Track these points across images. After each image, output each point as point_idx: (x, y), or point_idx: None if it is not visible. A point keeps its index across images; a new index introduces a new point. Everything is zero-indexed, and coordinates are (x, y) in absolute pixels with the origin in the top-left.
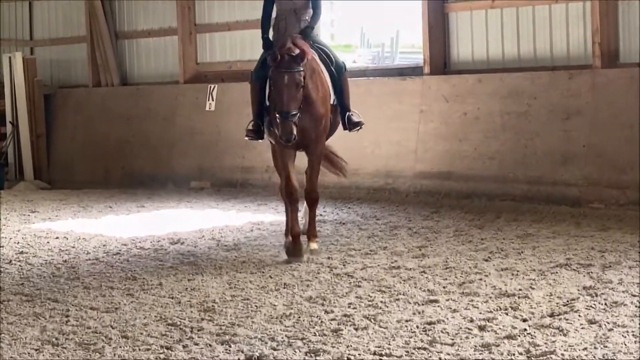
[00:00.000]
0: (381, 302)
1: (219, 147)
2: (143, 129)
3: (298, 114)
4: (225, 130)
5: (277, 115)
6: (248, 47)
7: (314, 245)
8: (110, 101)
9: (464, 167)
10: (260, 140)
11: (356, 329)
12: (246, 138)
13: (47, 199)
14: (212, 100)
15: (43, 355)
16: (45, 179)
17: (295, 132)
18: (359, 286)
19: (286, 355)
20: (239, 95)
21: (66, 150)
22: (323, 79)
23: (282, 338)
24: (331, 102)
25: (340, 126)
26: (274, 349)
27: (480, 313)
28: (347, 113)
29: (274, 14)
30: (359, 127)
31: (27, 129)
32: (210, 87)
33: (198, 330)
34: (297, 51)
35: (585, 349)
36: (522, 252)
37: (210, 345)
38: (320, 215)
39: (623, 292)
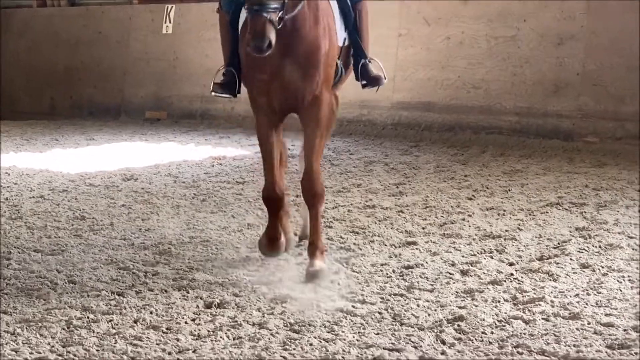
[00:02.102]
0: (354, 244)
1: (177, 74)
2: (93, 55)
3: (280, 10)
4: (183, 55)
5: (247, 9)
6: None
7: (318, 264)
8: (57, 23)
9: (446, 97)
10: (233, 97)
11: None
12: (213, 93)
13: None
14: (170, 22)
15: None
16: None
17: (272, 35)
18: (330, 227)
19: (249, 302)
20: (199, 17)
21: (8, 78)
22: (325, 4)
23: (245, 284)
24: (340, 42)
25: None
26: (236, 295)
27: (463, 256)
28: (362, 61)
29: None
30: (377, 86)
31: None
32: (168, 7)
33: (153, 275)
34: None
35: (577, 295)
36: (509, 190)
37: (166, 291)
38: (289, 149)
39: (619, 233)
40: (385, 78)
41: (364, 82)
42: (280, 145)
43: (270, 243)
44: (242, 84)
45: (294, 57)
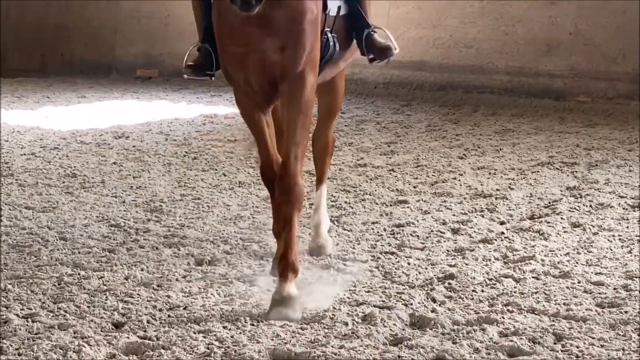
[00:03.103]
0: (346, 202)
1: (169, 31)
2: (84, 12)
3: None
4: (175, 12)
5: None
6: None
7: (287, 290)
8: None
9: (438, 56)
10: (210, 79)
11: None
12: (186, 77)
13: None
14: None
15: None
16: None
17: None
18: None
19: (240, 260)
20: None
21: None
22: None
23: (236, 241)
24: (334, 12)
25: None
26: (227, 253)
27: (454, 215)
28: (366, 31)
29: None
30: (387, 57)
31: None
32: None
33: (144, 232)
34: None
35: (567, 254)
36: (500, 150)
37: (157, 248)
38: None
39: (609, 193)
40: (395, 48)
41: (371, 55)
42: (270, 121)
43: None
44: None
45: (272, 25)
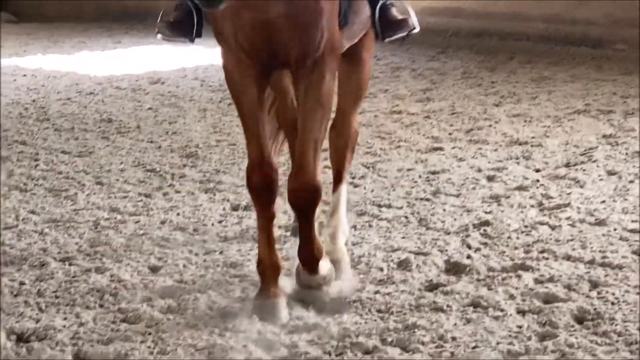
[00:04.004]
0: (381, 149)
1: None
2: None
3: None
4: None
5: None
6: None
7: (323, 268)
8: None
9: (474, 3)
10: (190, 42)
11: (353, 178)
12: (159, 36)
13: (13, 32)
14: None
15: (10, 201)
16: (12, 11)
17: None
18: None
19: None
20: None
21: None
22: None
23: None
24: None
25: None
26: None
27: (489, 162)
28: (381, 2)
29: None
30: (402, 34)
31: None
32: None
33: (180, 177)
34: None
35: (603, 201)
36: (536, 97)
37: (192, 193)
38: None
39: None
40: (415, 26)
41: (386, 30)
42: (268, 100)
43: (263, 295)
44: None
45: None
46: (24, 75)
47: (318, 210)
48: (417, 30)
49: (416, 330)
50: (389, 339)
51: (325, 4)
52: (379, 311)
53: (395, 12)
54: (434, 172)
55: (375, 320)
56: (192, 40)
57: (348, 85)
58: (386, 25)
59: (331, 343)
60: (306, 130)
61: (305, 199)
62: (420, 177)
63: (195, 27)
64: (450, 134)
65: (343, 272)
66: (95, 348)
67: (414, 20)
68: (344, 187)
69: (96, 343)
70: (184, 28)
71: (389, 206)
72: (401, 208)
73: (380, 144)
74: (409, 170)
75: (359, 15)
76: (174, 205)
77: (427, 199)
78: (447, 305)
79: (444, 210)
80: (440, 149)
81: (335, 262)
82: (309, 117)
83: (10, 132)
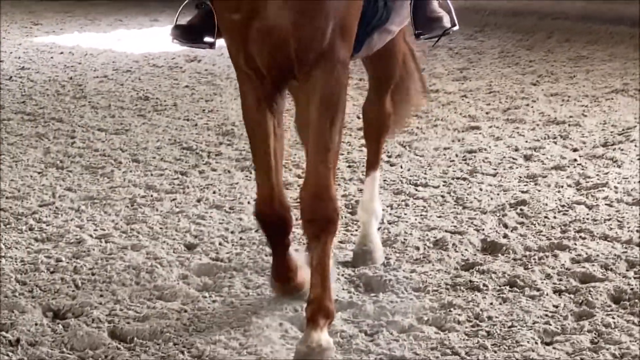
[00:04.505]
0: (417, 128)
1: None
2: None
3: None
4: None
5: None
6: None
7: (317, 339)
8: None
9: None
10: (209, 48)
11: (389, 157)
12: (174, 41)
13: (50, 10)
14: None
15: (47, 178)
16: None
17: None
18: None
19: None
20: None
21: None
22: None
23: None
24: None
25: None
26: (299, 177)
27: (526, 141)
28: None
29: None
30: (437, 34)
31: None
32: None
33: (216, 155)
34: None
35: None
36: (574, 76)
37: (228, 171)
38: None
39: None
40: (454, 24)
41: (420, 28)
42: (280, 131)
43: (284, 285)
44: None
45: None
46: (61, 53)
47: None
48: (456, 28)
49: (452, 309)
50: (425, 318)
51: None
52: (415, 290)
53: (434, 7)
54: (470, 151)
55: (411, 299)
56: (212, 46)
57: (380, 64)
58: (422, 21)
59: (367, 322)
60: (316, 138)
61: (319, 216)
62: (456, 156)
63: (216, 30)
64: (487, 113)
65: (377, 263)
66: (131, 325)
67: (453, 17)
68: (377, 173)
69: (132, 320)
70: (202, 32)
71: (426, 185)
72: (437, 187)
73: (416, 123)
74: (445, 149)
75: (400, 13)
76: (210, 183)
77: (464, 178)
78: (484, 285)
79: (481, 189)
80: (477, 128)
81: (366, 254)
82: (319, 123)
83: (47, 110)
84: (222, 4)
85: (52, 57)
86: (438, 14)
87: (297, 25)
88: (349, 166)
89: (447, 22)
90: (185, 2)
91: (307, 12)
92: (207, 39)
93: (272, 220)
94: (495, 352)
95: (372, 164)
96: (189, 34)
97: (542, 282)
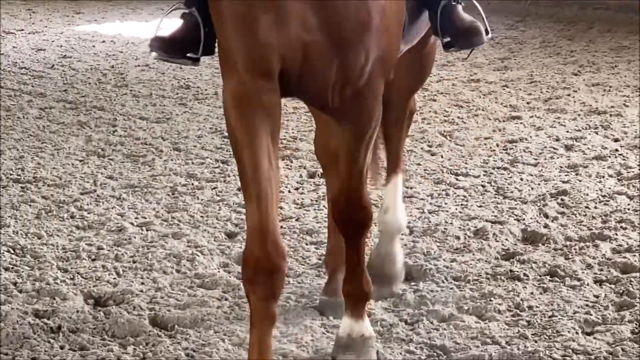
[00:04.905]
0: (458, 117)
1: None
2: None
3: None
4: None
5: None
6: None
7: (357, 328)
8: None
9: None
10: (192, 65)
11: (430, 146)
12: (153, 54)
13: None
14: None
15: (88, 166)
16: None
17: None
18: (434, 100)
19: None
20: None
21: None
22: None
23: None
24: None
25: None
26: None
27: (567, 131)
28: (443, 2)
29: None
30: (470, 46)
31: None
32: None
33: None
34: None
35: None
36: (615, 66)
37: None
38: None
39: None
40: (488, 32)
41: (447, 38)
42: (275, 153)
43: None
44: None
45: (320, 10)
46: (103, 42)
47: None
48: (490, 36)
49: (492, 298)
50: (465, 307)
51: (379, 4)
52: (455, 279)
53: (463, 14)
54: (511, 141)
55: (451, 288)
56: (195, 62)
57: (407, 68)
58: (450, 31)
59: (407, 310)
60: (348, 158)
61: (353, 221)
62: (497, 145)
63: (202, 43)
64: (528, 102)
65: (396, 279)
66: (172, 313)
67: (486, 25)
68: (399, 178)
69: (173, 308)
70: (185, 47)
71: (466, 175)
72: (478, 177)
73: (457, 112)
74: (486, 138)
75: (419, 16)
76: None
77: (505, 168)
78: (524, 274)
79: (522, 179)
80: (518, 117)
81: (387, 278)
82: (353, 144)
83: (89, 98)
84: (242, 22)
85: (93, 46)
86: (472, 23)
87: (340, 61)
88: None
89: (482, 32)
90: (171, 9)
91: (351, 49)
92: (191, 55)
93: (260, 265)
94: (535, 341)
95: (395, 166)
96: (170, 48)
97: (582, 272)
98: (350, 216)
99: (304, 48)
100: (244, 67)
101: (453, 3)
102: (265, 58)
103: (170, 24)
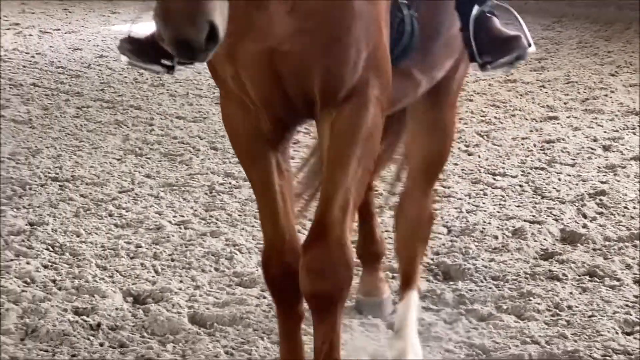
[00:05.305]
0: (495, 117)
1: None
2: None
3: None
4: None
5: None
6: None
7: None
8: None
9: None
10: (164, 72)
11: (467, 146)
12: (124, 59)
13: None
14: None
15: (126, 165)
16: None
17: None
18: (471, 100)
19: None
20: None
21: None
22: None
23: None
24: None
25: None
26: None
27: (605, 132)
28: (477, 10)
29: None
30: (511, 61)
31: None
32: None
33: (294, 143)
34: None
35: None
36: None
37: (307, 159)
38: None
39: None
40: (530, 44)
41: (485, 55)
42: (287, 166)
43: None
44: None
45: (305, 5)
46: None
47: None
48: (532, 49)
49: (531, 298)
50: (504, 307)
51: (360, 2)
52: (494, 278)
53: (500, 25)
54: (549, 141)
55: (490, 287)
56: (170, 70)
57: (421, 142)
58: (487, 46)
59: (446, 310)
60: (334, 173)
61: (324, 274)
62: (534, 145)
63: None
64: (565, 103)
65: None
66: (211, 311)
67: (527, 35)
68: (415, 295)
69: (212, 306)
70: (160, 52)
71: (504, 174)
72: (516, 176)
73: (494, 112)
74: (523, 139)
75: (440, 31)
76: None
77: (542, 168)
78: (563, 274)
79: (559, 179)
80: (555, 118)
81: None
82: (341, 157)
83: (126, 97)
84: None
85: None
86: (508, 35)
87: (321, 54)
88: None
89: (524, 44)
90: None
91: (335, 41)
92: (165, 62)
93: (281, 276)
94: (575, 341)
95: (409, 281)
96: (142, 52)
97: (622, 273)
98: (323, 262)
99: (285, 61)
100: (239, 92)
101: (488, 13)
102: (255, 93)
103: (148, 25)
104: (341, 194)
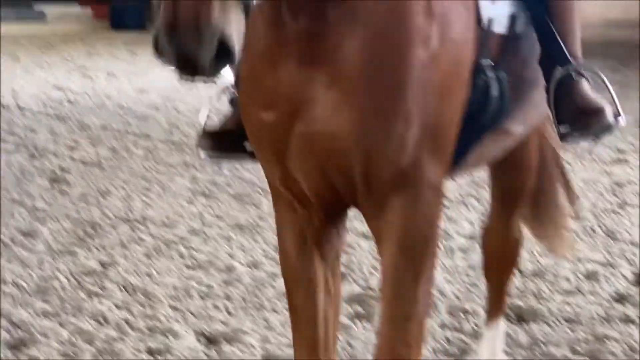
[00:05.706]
0: (564, 160)
1: None
2: None
3: None
4: None
5: None
6: None
7: None
8: None
9: None
10: (250, 160)
11: None
12: (202, 154)
13: None
14: None
15: (195, 206)
16: None
17: (230, 25)
18: None
19: (459, 214)
20: None
21: None
22: None
23: (455, 195)
24: (502, 26)
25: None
26: (446, 207)
27: None
28: (560, 72)
29: None
30: (596, 133)
31: None
32: None
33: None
34: None
35: None
36: None
37: None
38: None
39: None
40: (619, 113)
41: (564, 125)
42: (336, 286)
43: None
44: None
45: (335, 61)
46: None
47: None
48: (623, 121)
49: (606, 340)
50: (579, 349)
51: (417, 68)
52: (568, 321)
53: (587, 92)
54: (619, 184)
55: (564, 330)
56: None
57: (502, 178)
58: (570, 115)
59: (520, 352)
60: (391, 294)
61: None
62: (605, 188)
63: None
64: (635, 146)
65: None
66: (284, 351)
67: (617, 106)
68: (502, 323)
69: (284, 347)
70: (242, 138)
71: (575, 217)
72: (587, 219)
73: (563, 155)
74: (594, 181)
75: (528, 106)
76: (357, 212)
77: (613, 211)
78: (638, 317)
79: (631, 222)
80: (625, 161)
81: None
82: (395, 272)
83: (193, 139)
84: (246, 94)
85: (196, 87)
86: (596, 105)
87: (364, 132)
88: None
89: (609, 114)
90: (217, 96)
91: (378, 113)
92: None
93: None
94: None
95: (495, 309)
96: (223, 143)
97: None
98: None
99: (325, 127)
100: (282, 198)
101: (575, 75)
102: (299, 192)
103: (217, 113)
104: (401, 317)
